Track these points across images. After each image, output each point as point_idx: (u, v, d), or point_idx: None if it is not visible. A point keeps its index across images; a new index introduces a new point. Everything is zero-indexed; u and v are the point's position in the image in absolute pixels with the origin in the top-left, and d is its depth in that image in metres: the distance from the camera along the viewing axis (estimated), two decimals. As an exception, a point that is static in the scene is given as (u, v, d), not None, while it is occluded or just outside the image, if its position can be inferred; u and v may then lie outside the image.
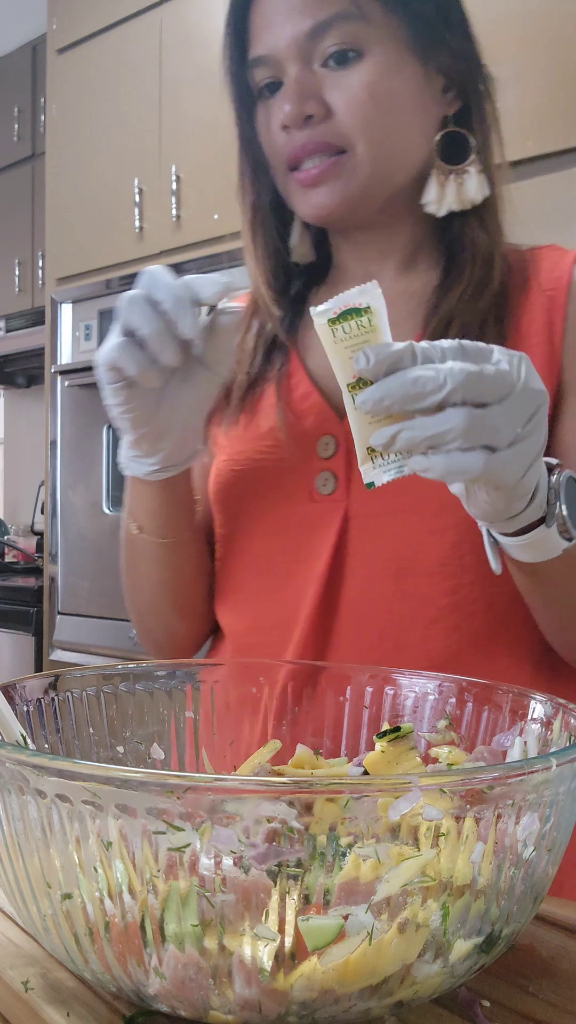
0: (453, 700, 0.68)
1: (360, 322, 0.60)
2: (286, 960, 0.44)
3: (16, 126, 3.61)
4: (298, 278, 0.96)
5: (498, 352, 0.60)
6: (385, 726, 0.68)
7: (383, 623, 0.84)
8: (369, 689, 0.72)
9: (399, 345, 0.59)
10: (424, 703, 0.69)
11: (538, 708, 0.62)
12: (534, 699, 0.63)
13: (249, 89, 0.87)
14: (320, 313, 0.60)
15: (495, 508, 0.64)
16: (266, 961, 0.44)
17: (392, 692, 0.71)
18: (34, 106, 3.55)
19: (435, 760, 0.65)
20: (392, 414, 0.59)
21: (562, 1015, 0.51)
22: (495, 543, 0.69)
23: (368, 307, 0.60)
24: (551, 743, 0.60)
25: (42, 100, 3.40)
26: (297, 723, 0.74)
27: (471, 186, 0.85)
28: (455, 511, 0.71)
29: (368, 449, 0.61)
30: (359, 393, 0.60)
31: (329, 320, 0.60)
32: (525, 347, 0.83)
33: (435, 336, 0.83)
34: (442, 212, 0.86)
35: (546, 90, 1.81)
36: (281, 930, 0.44)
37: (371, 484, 0.62)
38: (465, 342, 0.60)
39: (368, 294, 0.60)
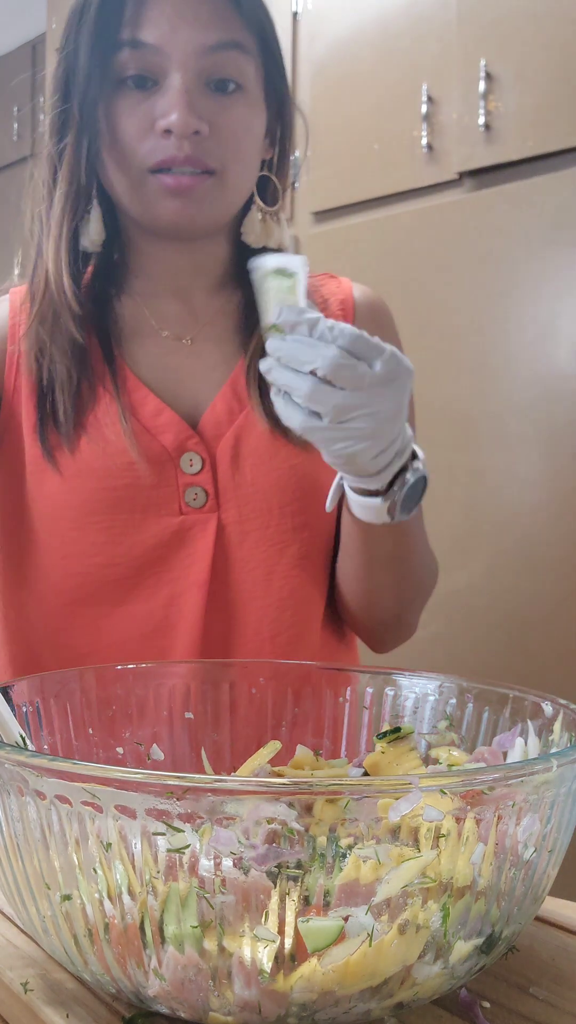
0: (453, 701, 0.68)
1: (286, 283, 0.73)
2: (286, 961, 0.44)
3: (15, 125, 3.61)
4: (96, 280, 0.94)
5: (389, 356, 0.71)
6: (385, 727, 0.68)
7: (258, 617, 0.91)
8: (369, 690, 0.72)
9: (307, 314, 0.70)
10: (424, 704, 0.69)
11: (538, 709, 0.62)
12: (535, 700, 0.63)
13: (108, 69, 0.84)
14: (262, 265, 0.75)
15: (336, 464, 0.75)
16: (266, 962, 0.44)
17: (392, 693, 0.71)
18: (33, 105, 3.55)
19: (435, 761, 0.65)
20: None
21: (562, 1016, 0.51)
22: (340, 487, 0.81)
23: (295, 274, 0.74)
24: (551, 744, 0.60)
25: (41, 99, 3.40)
26: (297, 723, 0.74)
27: (283, 228, 0.94)
28: (313, 511, 0.88)
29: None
30: (268, 337, 0.72)
31: (272, 271, 0.74)
32: None
33: (257, 348, 0.91)
34: (259, 245, 0.93)
35: (546, 90, 1.81)
36: (281, 931, 0.44)
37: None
38: (366, 336, 0.70)
39: (299, 266, 0.74)
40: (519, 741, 0.62)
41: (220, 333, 0.95)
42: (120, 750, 0.70)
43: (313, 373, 0.69)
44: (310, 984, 0.44)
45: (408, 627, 0.98)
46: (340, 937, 0.44)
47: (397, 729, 0.63)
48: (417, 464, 0.78)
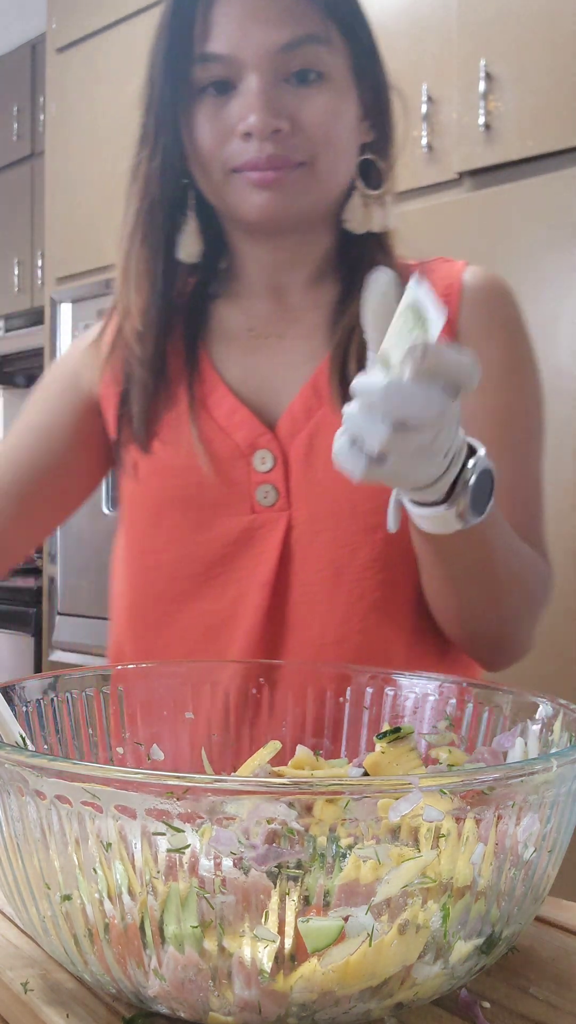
0: (453, 701, 0.68)
1: (417, 330, 0.62)
2: (286, 961, 0.44)
3: (15, 125, 3.61)
4: (200, 288, 0.96)
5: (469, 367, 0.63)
6: (385, 727, 0.68)
7: (323, 621, 0.88)
8: (369, 690, 0.72)
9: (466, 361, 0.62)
10: (424, 704, 0.69)
11: (538, 709, 0.62)
12: (534, 700, 0.63)
13: (188, 82, 0.86)
14: (399, 294, 0.64)
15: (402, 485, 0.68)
16: (266, 962, 0.44)
17: (392, 693, 0.71)
18: (33, 105, 3.55)
19: (435, 761, 0.64)
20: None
21: (562, 1016, 0.51)
22: (400, 504, 0.72)
23: (428, 322, 0.63)
24: (551, 744, 0.60)
25: (41, 99, 3.40)
26: (297, 723, 0.74)
27: (389, 212, 0.91)
28: (385, 512, 0.76)
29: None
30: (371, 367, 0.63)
31: (409, 308, 0.63)
32: None
33: (339, 348, 0.89)
34: (362, 231, 0.91)
35: (546, 90, 1.81)
36: (281, 931, 0.44)
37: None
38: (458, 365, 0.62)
39: (436, 316, 0.62)
40: (519, 741, 0.62)
41: (309, 329, 0.93)
42: (120, 750, 0.70)
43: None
44: (310, 984, 0.44)
45: (519, 643, 0.89)
46: (340, 937, 0.44)
47: (397, 729, 0.63)
48: (478, 456, 0.70)
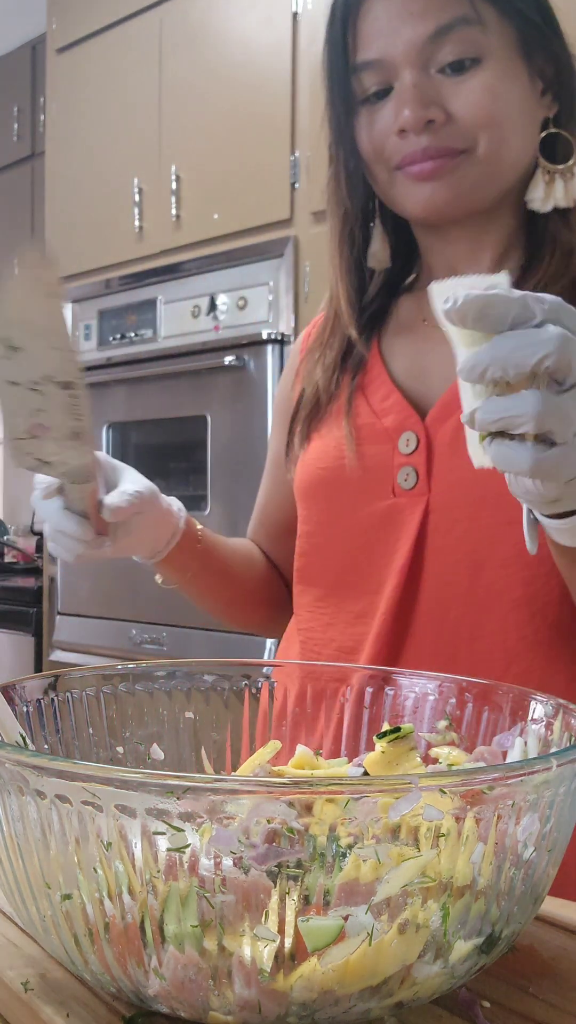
0: (453, 700, 0.68)
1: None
2: (286, 961, 0.44)
3: (16, 126, 3.61)
4: (383, 287, 0.98)
5: None
6: (385, 726, 0.68)
7: (459, 614, 0.85)
8: (369, 689, 0.72)
9: (490, 292, 0.56)
10: (424, 703, 0.69)
11: (538, 708, 0.62)
12: (534, 699, 0.63)
13: (351, 95, 0.88)
14: (442, 296, 0.58)
15: (541, 496, 0.61)
16: (266, 962, 0.44)
17: (392, 692, 0.71)
18: (34, 106, 3.55)
19: (435, 760, 0.64)
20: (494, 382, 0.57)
21: (562, 1016, 0.51)
22: (535, 522, 0.67)
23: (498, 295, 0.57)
24: (551, 743, 0.60)
25: (42, 100, 3.40)
26: (297, 723, 0.74)
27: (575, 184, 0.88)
28: None
29: (480, 435, 0.60)
30: (459, 364, 0.57)
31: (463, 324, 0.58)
32: None
33: None
34: (547, 208, 0.88)
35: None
36: (281, 931, 0.44)
37: (480, 465, 0.61)
38: (564, 304, 0.57)
39: (498, 285, 0.58)
40: (519, 741, 0.62)
41: None
42: (120, 750, 0.70)
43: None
44: (310, 983, 0.44)
45: None
46: (340, 936, 0.44)
47: (397, 729, 0.63)
48: None
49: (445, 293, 0.58)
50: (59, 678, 0.69)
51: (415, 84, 0.82)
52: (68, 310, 2.90)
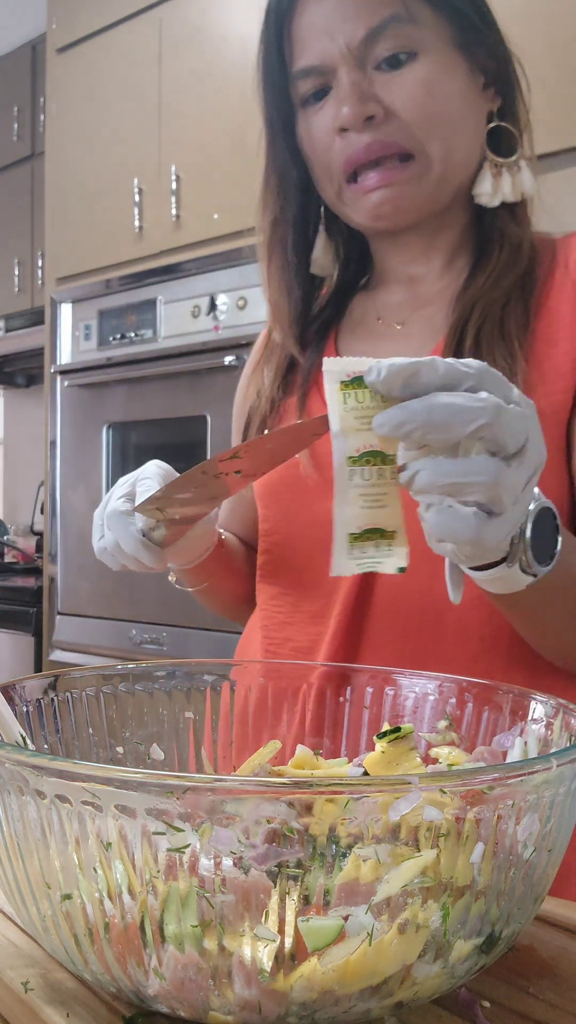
0: (453, 700, 0.68)
1: (374, 394, 0.55)
2: (286, 961, 0.44)
3: (16, 125, 3.61)
4: (339, 287, 0.99)
5: (516, 392, 0.56)
6: (385, 726, 0.68)
7: (416, 614, 0.85)
8: (369, 689, 0.72)
9: (415, 359, 0.54)
10: (424, 703, 0.69)
11: (538, 708, 0.62)
12: (534, 699, 0.63)
13: (288, 101, 0.88)
14: (332, 373, 0.56)
15: (463, 556, 0.59)
16: (266, 962, 0.44)
17: (392, 692, 0.71)
18: (34, 105, 3.54)
19: (435, 761, 0.64)
20: (386, 489, 0.56)
21: (562, 1016, 0.51)
22: (458, 570, 0.64)
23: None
24: (551, 743, 0.60)
25: (42, 99, 3.40)
26: (297, 723, 0.74)
27: (525, 178, 0.88)
28: None
29: (351, 536, 0.57)
30: (379, 415, 0.54)
31: (342, 383, 0.55)
32: (555, 328, 0.84)
33: (458, 320, 0.85)
34: (495, 203, 0.88)
35: (547, 90, 1.81)
36: (281, 931, 0.44)
37: (339, 573, 0.57)
38: (491, 369, 0.55)
39: (396, 362, 0.55)
40: (519, 741, 0.62)
41: (433, 312, 0.91)
42: (120, 750, 0.70)
43: (455, 447, 0.54)
44: (310, 983, 0.44)
45: None
46: (340, 936, 0.44)
47: (397, 729, 0.63)
48: (535, 496, 0.61)
49: (342, 371, 0.55)
50: (59, 678, 0.69)
51: (352, 82, 0.83)
52: (68, 310, 2.90)
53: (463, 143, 0.85)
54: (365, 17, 0.82)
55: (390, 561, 0.57)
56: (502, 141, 0.88)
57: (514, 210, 0.89)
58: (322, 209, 0.95)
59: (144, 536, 0.82)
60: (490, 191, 0.88)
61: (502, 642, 0.83)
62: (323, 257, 0.95)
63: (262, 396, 0.97)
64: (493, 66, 0.87)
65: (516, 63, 0.89)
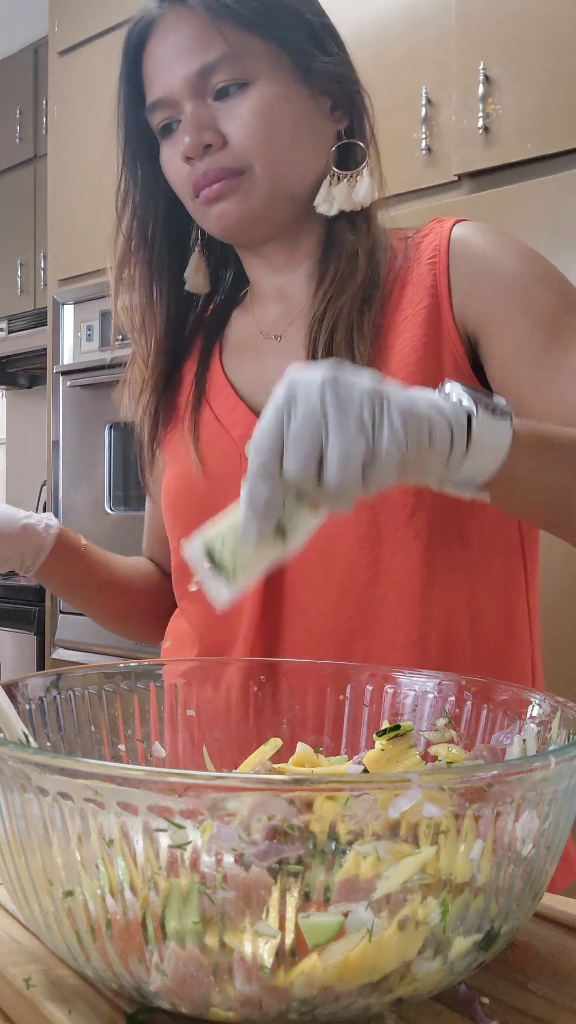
0: (452, 698, 0.68)
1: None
2: (286, 957, 0.45)
3: (18, 128, 3.61)
4: (224, 301, 1.03)
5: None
6: (385, 724, 0.68)
7: (319, 604, 0.88)
8: (369, 688, 0.72)
9: (241, 517, 0.60)
10: (424, 701, 0.70)
11: (537, 707, 0.62)
12: (533, 697, 0.63)
13: (147, 132, 0.93)
14: (196, 560, 0.62)
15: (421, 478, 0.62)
16: (267, 958, 0.45)
17: (392, 690, 0.71)
18: (36, 108, 3.55)
19: (435, 758, 0.65)
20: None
21: (561, 1012, 0.51)
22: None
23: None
24: (550, 741, 0.60)
25: (44, 102, 3.40)
26: (298, 721, 0.74)
27: (362, 189, 0.92)
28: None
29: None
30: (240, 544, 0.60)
31: (208, 558, 0.61)
32: (410, 321, 0.88)
33: (309, 331, 0.90)
34: (332, 212, 0.92)
35: (544, 92, 1.81)
36: (282, 927, 0.44)
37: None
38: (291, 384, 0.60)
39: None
40: (518, 738, 0.62)
41: (304, 323, 0.94)
42: (122, 747, 0.71)
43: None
44: (310, 980, 0.45)
45: None
46: (340, 933, 0.45)
47: (397, 727, 0.63)
48: (455, 392, 0.61)
49: (199, 557, 0.61)
50: (61, 676, 0.69)
51: (192, 114, 0.88)
52: (71, 311, 2.91)
53: (299, 159, 0.90)
54: (198, 55, 0.87)
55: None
56: (355, 155, 0.93)
57: (353, 218, 0.92)
58: (197, 230, 1.00)
59: None
60: (324, 200, 0.92)
61: (386, 586, 0.87)
62: (195, 274, 1.00)
63: (147, 416, 1.01)
64: (337, 90, 0.92)
65: (359, 85, 0.94)
